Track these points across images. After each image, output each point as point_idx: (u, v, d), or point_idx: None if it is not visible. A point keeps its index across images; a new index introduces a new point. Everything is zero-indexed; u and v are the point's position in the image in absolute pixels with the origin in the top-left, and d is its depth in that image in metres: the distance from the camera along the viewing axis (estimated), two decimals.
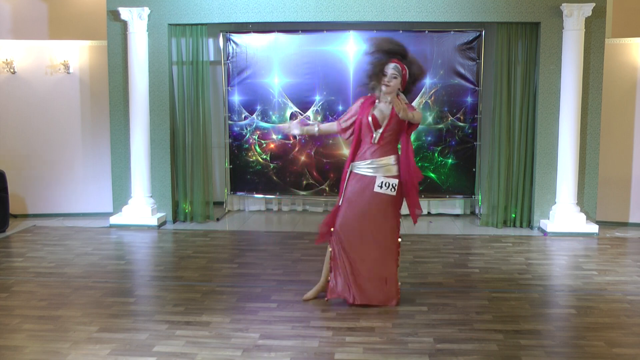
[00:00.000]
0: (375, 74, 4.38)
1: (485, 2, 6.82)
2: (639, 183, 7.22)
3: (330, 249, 4.52)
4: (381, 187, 4.40)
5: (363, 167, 4.44)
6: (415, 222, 4.56)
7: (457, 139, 7.50)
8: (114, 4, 7.02)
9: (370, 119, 4.41)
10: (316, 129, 4.64)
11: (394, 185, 4.40)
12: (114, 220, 7.19)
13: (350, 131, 4.56)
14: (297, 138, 7.61)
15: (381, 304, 4.50)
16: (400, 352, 3.74)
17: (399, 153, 4.49)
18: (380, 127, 4.40)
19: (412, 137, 7.40)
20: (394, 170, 4.43)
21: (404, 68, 4.41)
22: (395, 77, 4.36)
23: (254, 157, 7.77)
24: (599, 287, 5.02)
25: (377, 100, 4.48)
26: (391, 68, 4.38)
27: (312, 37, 7.51)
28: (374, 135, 4.42)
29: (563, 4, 6.66)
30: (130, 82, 7.05)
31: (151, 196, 7.25)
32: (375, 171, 4.41)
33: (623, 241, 6.63)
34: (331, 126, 4.70)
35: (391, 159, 4.44)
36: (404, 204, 4.55)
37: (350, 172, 4.51)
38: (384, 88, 4.40)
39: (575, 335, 4.08)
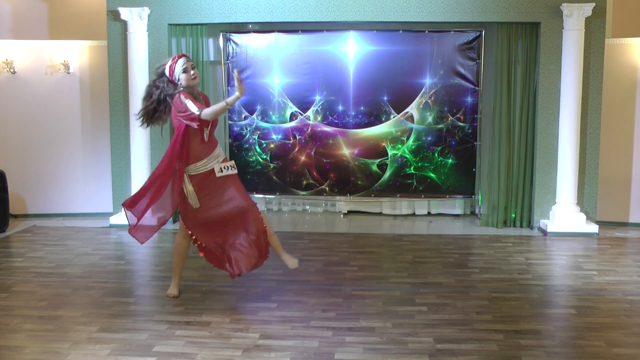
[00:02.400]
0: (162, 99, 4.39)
1: (485, 2, 6.82)
2: (639, 183, 7.21)
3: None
4: (222, 171, 4.47)
5: (200, 167, 4.44)
6: None
7: (457, 139, 7.50)
8: (114, 4, 7.02)
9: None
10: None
11: (232, 165, 4.54)
12: (114, 220, 7.18)
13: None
14: (297, 138, 7.61)
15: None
16: (400, 352, 3.74)
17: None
18: (208, 124, 4.38)
19: (412, 137, 7.52)
20: (222, 154, 4.56)
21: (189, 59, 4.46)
22: (194, 68, 4.43)
23: (254, 157, 7.76)
24: (599, 287, 5.02)
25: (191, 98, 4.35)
26: (189, 62, 4.38)
27: (312, 37, 7.51)
28: (205, 133, 4.40)
29: (563, 4, 6.66)
30: (130, 82, 7.05)
31: None
32: (211, 165, 4.45)
33: (623, 241, 6.63)
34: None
35: (218, 148, 4.53)
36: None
37: (188, 176, 4.43)
38: (192, 82, 4.38)
39: (575, 335, 4.07)
